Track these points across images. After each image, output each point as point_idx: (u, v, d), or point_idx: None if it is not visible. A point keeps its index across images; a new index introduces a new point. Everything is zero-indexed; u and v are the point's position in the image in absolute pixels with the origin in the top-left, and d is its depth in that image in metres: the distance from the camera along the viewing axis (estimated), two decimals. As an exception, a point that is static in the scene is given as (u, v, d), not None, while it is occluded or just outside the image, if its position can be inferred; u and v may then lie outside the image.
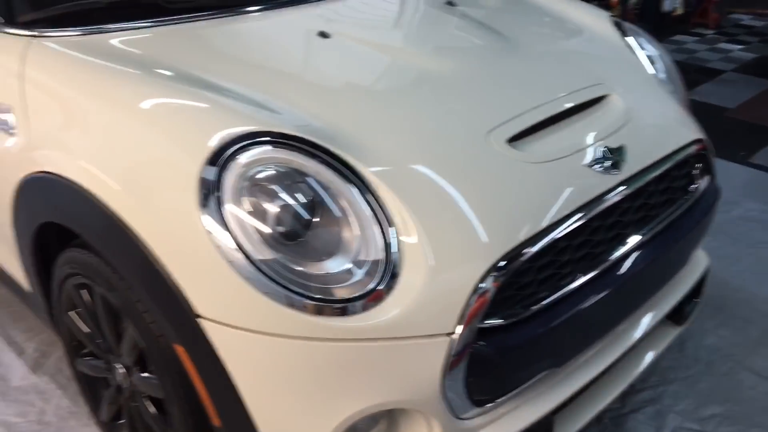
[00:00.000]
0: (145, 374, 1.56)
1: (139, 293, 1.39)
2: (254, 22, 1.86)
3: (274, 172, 1.31)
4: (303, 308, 1.24)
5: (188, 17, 1.80)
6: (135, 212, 1.34)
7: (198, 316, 1.29)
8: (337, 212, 1.30)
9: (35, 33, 1.68)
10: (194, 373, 1.36)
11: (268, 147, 1.33)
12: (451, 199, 1.37)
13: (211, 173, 1.28)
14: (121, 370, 1.64)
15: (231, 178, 1.28)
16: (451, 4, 2.06)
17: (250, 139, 1.33)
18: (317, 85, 1.59)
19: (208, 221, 1.26)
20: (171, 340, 1.37)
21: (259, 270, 1.25)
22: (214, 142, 1.31)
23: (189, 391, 1.40)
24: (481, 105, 1.58)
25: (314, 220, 1.29)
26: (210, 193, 1.27)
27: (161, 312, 1.36)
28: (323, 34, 1.75)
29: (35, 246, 1.72)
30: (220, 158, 1.29)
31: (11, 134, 1.62)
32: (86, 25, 1.71)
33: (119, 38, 1.69)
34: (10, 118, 1.62)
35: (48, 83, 1.59)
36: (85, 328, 1.72)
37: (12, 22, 1.73)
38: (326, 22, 1.85)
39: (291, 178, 1.31)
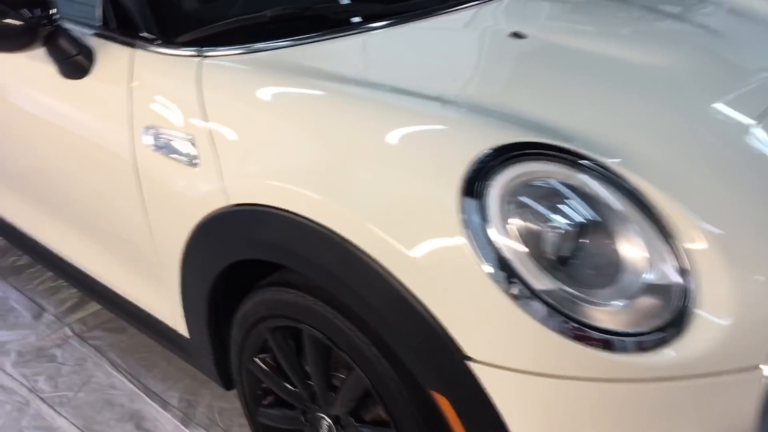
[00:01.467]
0: (362, 424, 1.39)
1: (384, 335, 1.22)
2: (428, 29, 1.70)
3: (537, 188, 1.14)
4: (596, 344, 1.07)
5: (357, 28, 1.65)
6: (383, 246, 1.17)
7: (466, 358, 1.12)
8: (615, 230, 1.13)
9: (199, 53, 1.53)
10: (456, 423, 1.19)
11: (526, 161, 1.17)
12: (744, 208, 1.20)
13: (471, 201, 1.12)
14: (325, 420, 1.47)
15: (493, 203, 1.12)
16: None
17: (503, 155, 1.17)
18: (540, 90, 1.43)
19: (474, 251, 1.09)
20: (425, 386, 1.20)
21: (542, 302, 1.08)
22: (463, 165, 1.15)
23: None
24: (728, 97, 1.41)
25: (588, 240, 1.13)
26: (472, 221, 1.11)
27: (414, 356, 1.19)
28: (517, 35, 1.59)
29: (213, 289, 1.56)
30: (476, 184, 1.13)
31: (193, 165, 1.46)
32: (246, 42, 1.56)
33: (294, 53, 1.54)
34: (190, 149, 1.46)
35: (237, 107, 1.43)
36: (276, 375, 1.55)
37: (171, 42, 1.58)
38: (509, 23, 1.69)
39: (557, 194, 1.14)
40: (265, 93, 1.44)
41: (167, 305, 1.78)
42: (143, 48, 1.59)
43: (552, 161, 1.17)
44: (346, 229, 1.19)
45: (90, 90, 1.68)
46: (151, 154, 1.54)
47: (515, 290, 1.08)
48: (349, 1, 1.80)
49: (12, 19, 1.56)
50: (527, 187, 1.14)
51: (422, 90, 1.35)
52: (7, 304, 2.51)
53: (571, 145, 1.20)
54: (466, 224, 1.11)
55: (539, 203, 1.13)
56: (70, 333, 2.35)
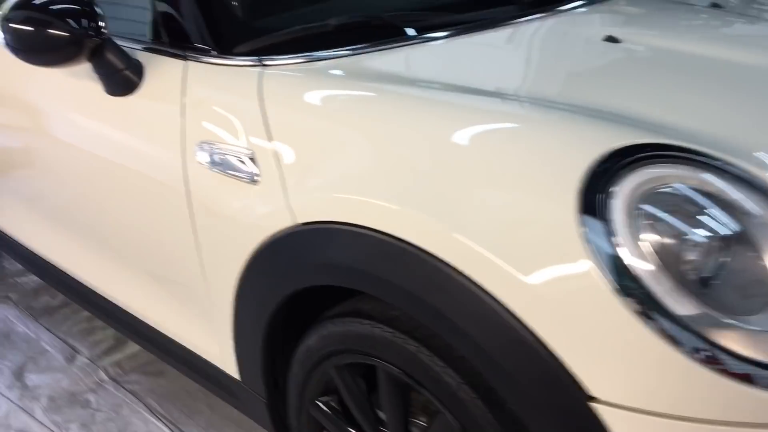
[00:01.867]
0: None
1: (483, 373, 1.04)
2: (509, 36, 1.56)
3: (667, 196, 0.97)
4: (763, 383, 0.88)
5: (427, 36, 1.52)
6: (489, 269, 0.99)
7: (590, 399, 0.94)
8: (761, 242, 0.95)
9: (259, 62, 1.40)
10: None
11: (650, 165, 0.99)
12: None
13: (592, 216, 0.95)
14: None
15: (619, 217, 0.94)
16: (716, 5, 1.75)
17: (622, 159, 1.00)
18: (650, 92, 1.25)
19: (602, 274, 0.92)
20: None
21: (687, 330, 0.90)
22: (578, 173, 0.98)
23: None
24: None
25: (730, 256, 0.95)
26: (596, 239, 0.93)
27: (521, 397, 1.00)
28: (612, 39, 1.44)
29: (272, 323, 1.39)
30: (596, 196, 0.96)
31: (253, 183, 1.31)
32: (305, 51, 1.43)
33: (360, 61, 1.41)
34: (250, 165, 1.31)
35: (304, 118, 1.29)
36: (342, 421, 1.37)
37: (228, 53, 1.45)
38: (600, 27, 1.55)
39: (690, 202, 0.97)
40: (335, 101, 1.30)
41: (216, 343, 1.62)
42: (197, 60, 1.46)
43: (679, 164, 1.00)
44: (442, 248, 1.02)
45: (138, 107, 1.55)
46: (206, 172, 1.39)
47: (653, 317, 0.90)
48: (423, 10, 1.66)
49: (57, 29, 1.46)
50: (655, 196, 0.97)
51: (515, 93, 1.20)
52: (39, 347, 2.36)
53: (698, 146, 1.03)
54: (590, 243, 0.93)
55: (672, 215, 0.96)
56: (105, 377, 2.19)
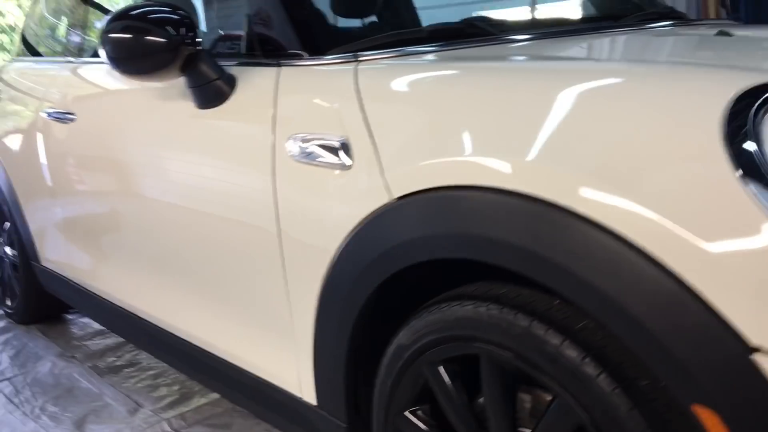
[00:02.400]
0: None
1: (627, 341, 0.90)
2: (597, 40, 1.51)
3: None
4: None
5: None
6: (644, 227, 0.88)
7: (753, 350, 0.80)
8: None
9: (354, 58, 1.38)
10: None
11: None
12: None
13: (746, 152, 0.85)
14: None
15: None
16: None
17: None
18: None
19: (763, 206, 0.81)
20: (685, 402, 0.86)
21: None
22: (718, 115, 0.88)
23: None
24: None
25: None
26: (754, 169, 0.83)
27: (669, 362, 0.86)
28: (724, 33, 1.38)
29: (356, 329, 1.29)
30: (743, 121, 0.87)
31: (346, 170, 1.26)
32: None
33: (455, 53, 1.38)
34: (343, 154, 1.26)
35: (402, 101, 1.24)
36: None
37: (320, 55, 1.44)
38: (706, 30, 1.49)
39: None
40: (429, 81, 1.24)
41: (293, 367, 1.51)
42: (290, 65, 1.46)
43: None
44: (581, 202, 0.92)
45: (230, 114, 1.54)
46: (294, 165, 1.35)
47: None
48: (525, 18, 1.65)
49: (155, 36, 1.48)
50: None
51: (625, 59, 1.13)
52: (102, 400, 2.27)
53: None
54: (748, 176, 0.83)
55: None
56: (168, 428, 2.07)
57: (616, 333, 0.91)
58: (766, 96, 0.89)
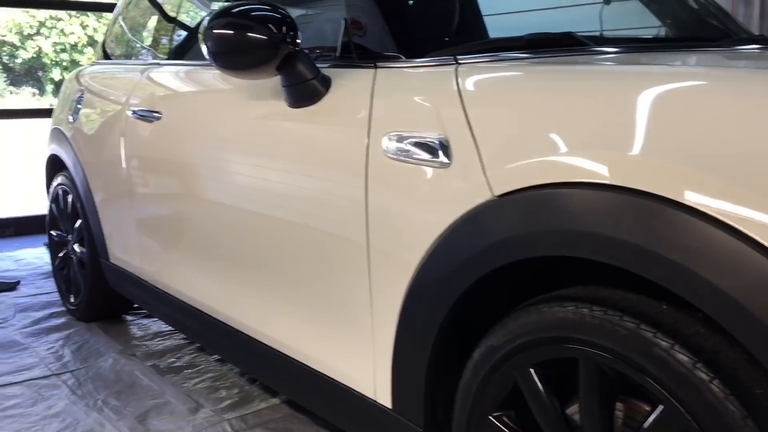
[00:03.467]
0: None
1: (744, 343, 0.88)
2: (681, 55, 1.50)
3: None
4: None
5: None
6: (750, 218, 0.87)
7: None
8: None
9: (454, 60, 1.38)
10: None
11: None
12: None
13: None
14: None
15: None
16: None
17: None
18: None
19: None
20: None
21: None
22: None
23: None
24: None
25: None
26: None
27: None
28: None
29: (442, 330, 1.28)
30: None
31: (443, 167, 1.26)
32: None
33: (547, 59, 1.38)
34: (441, 152, 1.26)
35: (502, 101, 1.24)
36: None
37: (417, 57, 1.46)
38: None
39: None
40: (528, 83, 1.24)
41: (369, 367, 1.50)
42: (386, 66, 1.48)
43: None
44: (695, 197, 0.91)
45: (324, 113, 1.56)
46: (389, 162, 1.36)
47: None
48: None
49: (256, 33, 1.52)
50: None
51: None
52: (163, 398, 2.28)
53: None
54: None
55: None
56: (228, 429, 2.07)
57: (734, 335, 0.88)
58: None
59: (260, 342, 1.86)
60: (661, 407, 0.98)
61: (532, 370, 1.15)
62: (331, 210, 1.53)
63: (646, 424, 1.00)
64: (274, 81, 1.65)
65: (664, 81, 1.05)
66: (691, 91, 1.01)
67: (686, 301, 0.94)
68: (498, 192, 1.15)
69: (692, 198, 0.91)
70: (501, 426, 1.22)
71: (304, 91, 1.58)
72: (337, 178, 1.51)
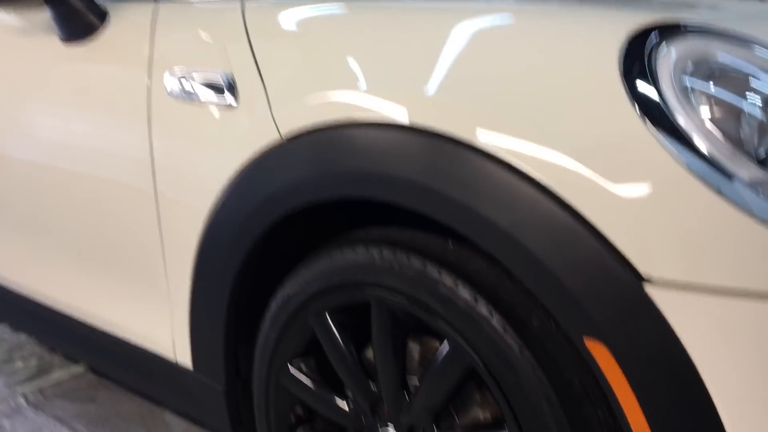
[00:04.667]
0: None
1: (520, 274, 0.89)
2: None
3: (711, 67, 0.88)
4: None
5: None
6: (530, 154, 0.86)
7: (643, 280, 0.80)
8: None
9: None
10: (617, 381, 0.83)
11: (686, 39, 0.91)
12: None
13: (642, 85, 0.85)
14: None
15: (669, 87, 0.85)
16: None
17: (663, 34, 0.91)
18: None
19: (659, 142, 0.81)
20: (577, 334, 0.85)
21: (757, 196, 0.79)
22: (617, 45, 0.88)
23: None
24: None
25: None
26: (650, 108, 0.83)
27: (561, 293, 0.84)
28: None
29: (238, 281, 1.21)
30: (642, 66, 0.86)
31: (230, 109, 1.17)
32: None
33: None
34: (227, 92, 1.17)
35: (290, 38, 1.17)
36: (319, 385, 1.17)
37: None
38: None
39: (734, 72, 0.88)
40: (319, 18, 1.18)
41: (167, 327, 1.41)
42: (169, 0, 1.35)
43: (712, 37, 0.92)
44: (474, 134, 0.90)
45: (97, 54, 1.41)
46: (174, 104, 1.24)
47: (724, 189, 0.78)
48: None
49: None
50: (700, 67, 0.88)
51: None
52: (-54, 375, 2.05)
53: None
54: (645, 113, 0.83)
55: (721, 85, 0.87)
56: (23, 403, 1.89)
57: (511, 269, 0.89)
58: (662, 35, 0.91)
59: (55, 308, 1.70)
60: (447, 344, 0.98)
61: (327, 317, 1.12)
62: (116, 158, 1.39)
63: (435, 362, 1.00)
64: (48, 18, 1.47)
65: (450, 20, 1.02)
66: (474, 32, 0.99)
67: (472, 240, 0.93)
68: (285, 133, 1.09)
69: (472, 136, 0.90)
70: (300, 374, 1.19)
71: (77, 23, 1.41)
72: (119, 123, 1.37)
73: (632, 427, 0.83)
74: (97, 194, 1.46)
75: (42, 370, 2.06)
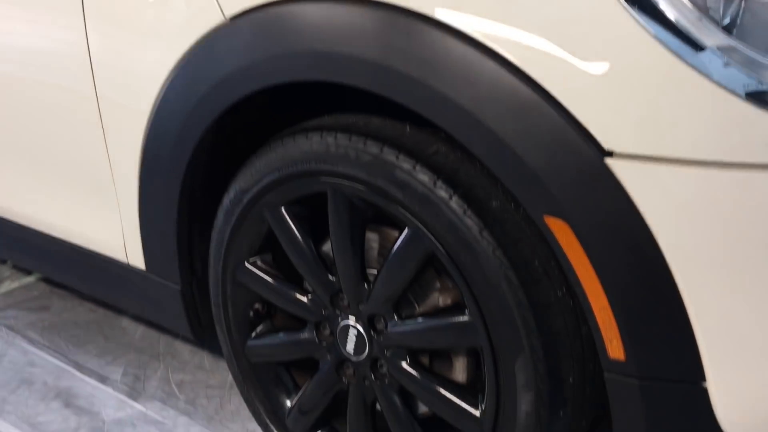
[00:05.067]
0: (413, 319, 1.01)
1: (480, 154, 0.86)
2: None
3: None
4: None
5: None
6: (484, 26, 0.82)
7: (606, 154, 0.78)
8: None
9: None
10: (576, 257, 0.82)
11: None
12: None
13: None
14: (353, 328, 1.06)
15: None
16: None
17: None
18: None
19: (623, 7, 0.77)
20: (537, 213, 0.84)
21: (720, 60, 0.76)
22: None
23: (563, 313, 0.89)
24: None
25: None
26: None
27: (521, 171, 0.82)
28: None
29: (191, 168, 1.16)
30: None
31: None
32: None
33: None
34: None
35: None
36: (278, 279, 1.15)
37: None
38: None
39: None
40: None
41: (116, 229, 1.36)
42: None
43: None
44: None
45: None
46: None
47: (690, 59, 0.75)
48: None
49: None
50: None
51: None
52: None
53: None
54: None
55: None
56: (-27, 314, 1.85)
57: (470, 149, 0.86)
58: None
59: (6, 219, 1.63)
60: (406, 230, 0.96)
61: (283, 210, 1.09)
62: (52, 57, 1.30)
63: (394, 249, 0.99)
64: None
65: None
66: None
67: (429, 121, 0.90)
68: (229, 13, 1.02)
69: (428, 7, 0.85)
70: (258, 271, 1.16)
71: None
72: (51, 18, 1.27)
73: (592, 304, 0.83)
74: (41, 98, 1.37)
75: (-11, 281, 2.01)
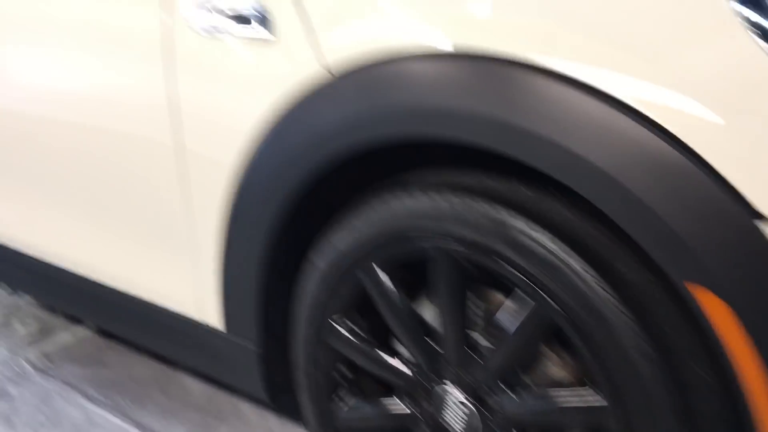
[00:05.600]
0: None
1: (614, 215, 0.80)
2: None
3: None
4: None
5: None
6: (644, 92, 0.77)
7: (758, 217, 0.72)
8: None
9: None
10: (734, 339, 0.75)
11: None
12: None
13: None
14: (452, 396, 0.99)
15: None
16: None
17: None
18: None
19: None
20: (679, 281, 0.77)
21: None
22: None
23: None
24: None
25: None
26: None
27: (661, 237, 0.77)
28: None
29: (280, 224, 1.11)
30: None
31: (265, 43, 1.05)
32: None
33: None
34: (261, 24, 1.05)
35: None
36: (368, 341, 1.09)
37: None
38: None
39: None
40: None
41: (190, 287, 1.31)
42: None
43: None
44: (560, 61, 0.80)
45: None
46: (197, 41, 1.12)
47: None
48: None
49: None
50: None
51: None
52: (-60, 342, 1.94)
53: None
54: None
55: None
56: (29, 368, 1.80)
57: (604, 211, 0.81)
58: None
59: (62, 267, 1.59)
60: (524, 300, 0.90)
61: (379, 271, 1.03)
62: (132, 107, 1.27)
63: (519, 324, 0.92)
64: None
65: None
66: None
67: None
68: (334, 68, 0.98)
69: (549, 59, 0.80)
70: (346, 332, 1.10)
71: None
72: (131, 65, 1.25)
73: (748, 390, 0.76)
74: (113, 147, 1.34)
75: (44, 333, 1.96)
